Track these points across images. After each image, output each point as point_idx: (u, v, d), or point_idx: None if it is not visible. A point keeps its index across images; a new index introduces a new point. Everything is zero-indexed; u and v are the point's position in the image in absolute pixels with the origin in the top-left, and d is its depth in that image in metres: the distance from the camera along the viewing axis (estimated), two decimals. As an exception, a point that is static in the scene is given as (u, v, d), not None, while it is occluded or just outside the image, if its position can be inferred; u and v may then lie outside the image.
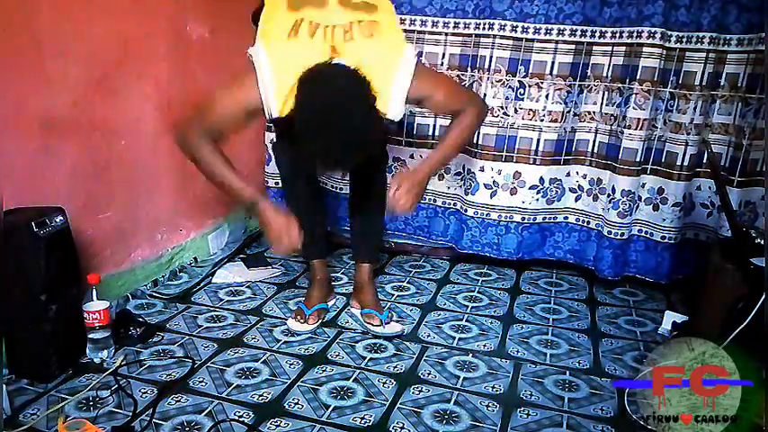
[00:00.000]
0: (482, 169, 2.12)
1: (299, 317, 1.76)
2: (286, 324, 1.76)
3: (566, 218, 2.18)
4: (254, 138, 2.36)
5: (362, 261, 1.87)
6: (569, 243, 2.20)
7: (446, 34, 2.07)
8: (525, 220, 2.16)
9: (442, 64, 2.12)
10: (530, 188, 2.12)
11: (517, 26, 1.98)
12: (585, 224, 2.16)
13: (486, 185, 2.14)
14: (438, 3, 2.05)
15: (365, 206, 1.82)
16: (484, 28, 2.01)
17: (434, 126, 2.22)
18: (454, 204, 2.26)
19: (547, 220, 2.18)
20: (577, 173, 2.13)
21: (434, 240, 2.33)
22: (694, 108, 1.92)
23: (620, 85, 1.97)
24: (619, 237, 2.04)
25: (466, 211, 2.20)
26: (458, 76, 2.12)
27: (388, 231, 2.38)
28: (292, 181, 1.79)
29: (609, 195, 2.05)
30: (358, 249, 1.91)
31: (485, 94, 2.05)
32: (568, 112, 2.05)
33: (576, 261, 2.20)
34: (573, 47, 1.98)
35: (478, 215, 2.18)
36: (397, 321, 1.80)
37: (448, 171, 2.24)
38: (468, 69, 2.09)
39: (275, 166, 2.34)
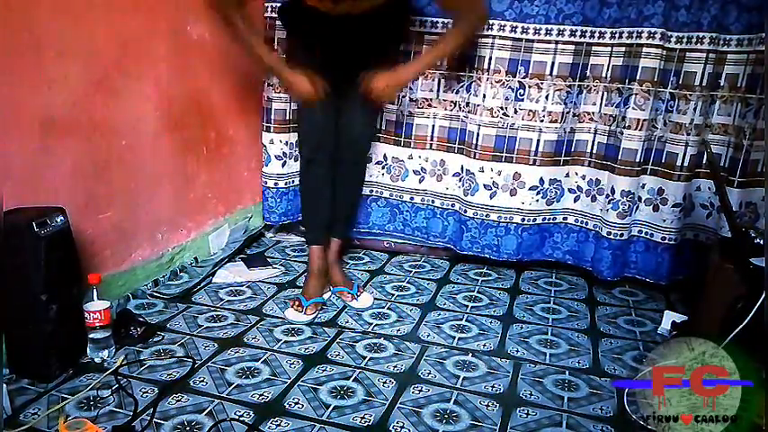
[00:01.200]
0: (481, 170, 2.12)
1: (297, 307, 1.82)
2: (284, 316, 1.81)
3: (565, 218, 2.19)
4: (253, 139, 2.36)
5: (334, 236, 2.03)
6: (568, 244, 2.20)
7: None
8: (525, 221, 2.16)
9: (441, 64, 2.13)
10: (529, 189, 2.12)
11: (517, 26, 1.98)
12: (584, 225, 2.16)
13: (485, 186, 2.14)
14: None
15: (344, 188, 1.96)
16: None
17: (433, 127, 2.22)
18: (452, 205, 2.26)
19: (546, 221, 2.18)
20: (576, 173, 2.14)
21: (432, 241, 2.33)
22: (694, 108, 1.92)
23: (619, 85, 1.98)
24: (618, 237, 2.05)
25: (465, 212, 2.20)
26: (457, 77, 2.12)
27: (387, 232, 2.39)
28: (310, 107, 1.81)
29: (608, 196, 2.05)
30: (332, 227, 2.03)
31: (484, 95, 2.05)
32: (568, 112, 2.05)
33: (574, 262, 2.20)
34: (573, 47, 1.98)
35: (478, 216, 2.18)
36: (365, 290, 2.00)
37: (446, 172, 2.24)
38: (467, 70, 2.09)
39: (274, 167, 2.36)
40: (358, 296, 1.94)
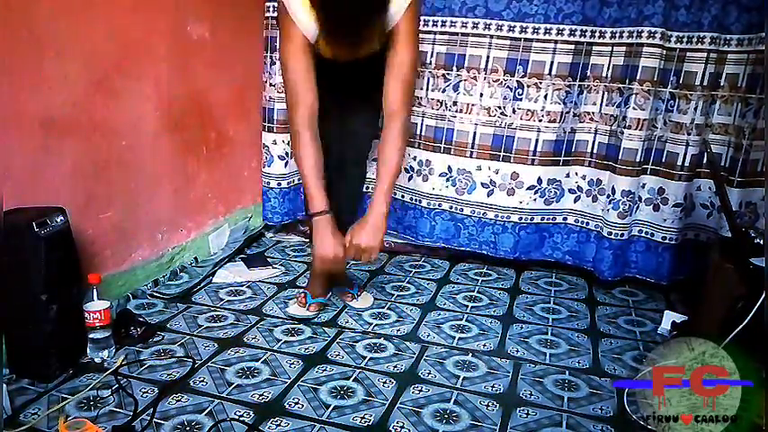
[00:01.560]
0: (479, 168, 2.12)
1: (302, 300, 1.85)
2: (287, 310, 1.83)
3: (565, 219, 2.18)
4: (253, 139, 2.36)
5: None
6: (568, 244, 2.20)
7: (435, 33, 2.08)
8: (522, 220, 2.16)
9: (433, 62, 2.13)
10: (527, 189, 2.12)
11: (515, 26, 1.98)
12: (585, 225, 2.16)
13: (483, 184, 2.14)
14: (435, 3, 2.06)
15: (345, 187, 1.91)
16: (477, 27, 2.01)
17: (421, 125, 2.21)
18: (439, 205, 2.26)
19: (545, 221, 2.18)
20: (576, 173, 2.13)
21: (421, 241, 2.33)
22: (695, 108, 1.92)
23: (619, 85, 1.98)
24: (618, 238, 2.05)
25: (462, 210, 2.20)
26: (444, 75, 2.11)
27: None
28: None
29: (608, 196, 2.05)
30: None
31: (481, 94, 2.05)
32: (567, 112, 2.05)
33: (575, 262, 2.20)
34: (572, 47, 1.98)
35: (475, 214, 2.18)
36: (366, 291, 2.00)
37: (432, 172, 2.24)
38: (454, 69, 2.09)
39: (275, 168, 2.36)
40: (358, 296, 1.94)
